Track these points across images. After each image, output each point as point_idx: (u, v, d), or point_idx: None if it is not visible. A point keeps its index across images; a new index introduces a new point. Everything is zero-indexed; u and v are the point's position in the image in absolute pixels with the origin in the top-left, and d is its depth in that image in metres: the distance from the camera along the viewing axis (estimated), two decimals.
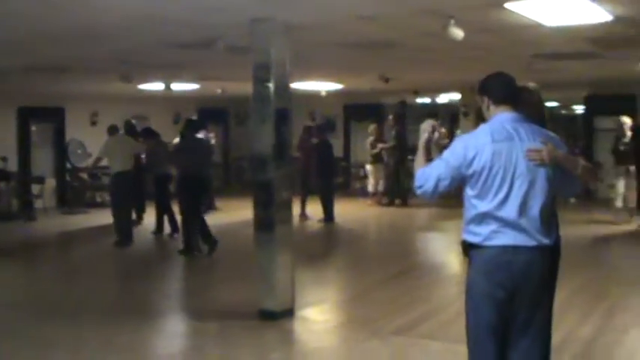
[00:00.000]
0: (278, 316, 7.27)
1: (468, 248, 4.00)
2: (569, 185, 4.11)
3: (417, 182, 4.03)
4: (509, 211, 3.82)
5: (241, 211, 14.64)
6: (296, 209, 14.53)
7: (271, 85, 7.35)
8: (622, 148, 13.84)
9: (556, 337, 6.35)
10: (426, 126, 4.26)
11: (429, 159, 4.10)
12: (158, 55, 10.43)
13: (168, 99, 18.77)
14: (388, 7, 7.21)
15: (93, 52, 10.14)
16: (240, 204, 14.85)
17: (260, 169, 7.53)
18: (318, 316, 7.68)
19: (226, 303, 8.08)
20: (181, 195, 11.11)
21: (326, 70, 13.99)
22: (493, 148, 3.85)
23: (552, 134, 4.07)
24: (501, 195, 3.83)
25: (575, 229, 13.42)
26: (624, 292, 8.46)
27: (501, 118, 3.98)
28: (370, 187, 18.02)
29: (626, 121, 13.92)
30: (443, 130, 17.70)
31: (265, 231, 7.51)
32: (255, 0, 6.65)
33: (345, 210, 15.84)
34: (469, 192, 3.94)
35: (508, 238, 3.82)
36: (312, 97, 19.30)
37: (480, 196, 3.88)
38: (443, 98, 22.50)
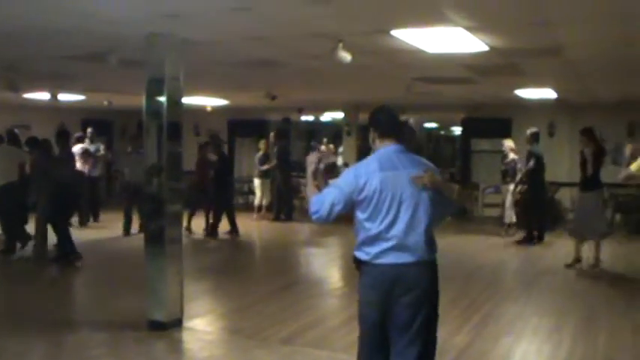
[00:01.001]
0: (167, 326, 7.39)
1: (359, 264, 4.42)
2: (446, 207, 4.63)
3: (312, 208, 4.44)
4: (397, 231, 4.29)
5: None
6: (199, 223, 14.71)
7: (164, 100, 7.46)
8: (503, 168, 14.84)
9: None
10: (313, 158, 4.80)
11: (318, 187, 4.58)
12: (49, 65, 10.35)
13: (52, 108, 18.46)
14: (279, 30, 7.48)
15: None
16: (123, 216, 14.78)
17: (149, 181, 7.63)
18: (206, 327, 7.82)
19: (115, 314, 8.11)
20: (47, 205, 11.14)
21: (213, 86, 14.12)
22: (381, 175, 4.33)
23: (430, 163, 4.58)
24: (390, 217, 4.30)
25: (452, 243, 14.08)
26: (497, 302, 9.01)
27: (388, 149, 4.49)
28: (256, 202, 18.19)
29: (505, 143, 15.00)
30: (332, 152, 18.12)
31: (155, 243, 7.61)
32: (150, 16, 6.75)
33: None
34: (360, 215, 4.38)
35: (394, 257, 4.30)
36: (197, 111, 19.38)
37: (370, 219, 4.33)
38: (326, 117, 22.96)
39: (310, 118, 23.57)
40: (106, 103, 17.47)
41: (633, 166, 7.37)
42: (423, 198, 4.36)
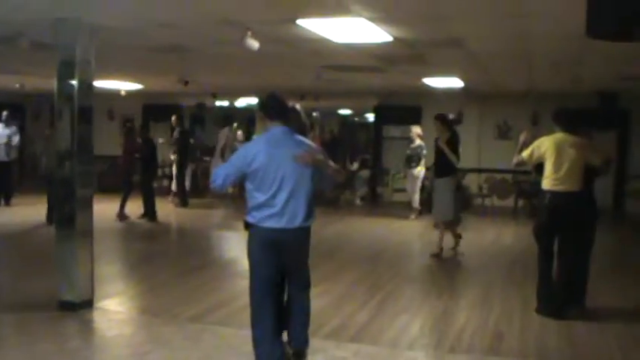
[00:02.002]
0: (77, 307, 7.50)
1: (248, 226, 5.42)
2: (325, 182, 5.60)
3: (211, 179, 5.36)
4: (280, 200, 5.23)
5: (37, 206, 14.54)
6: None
7: (75, 83, 7.52)
8: (408, 152, 15.39)
9: (335, 322, 7.16)
10: (225, 133, 5.47)
11: (225, 160, 5.19)
12: None
13: None
14: (188, 17, 7.66)
15: None
16: (35, 200, 14.71)
17: (61, 165, 7.69)
18: (117, 307, 7.95)
19: (26, 296, 8.16)
20: None
21: (126, 70, 14.13)
22: (268, 152, 5.19)
23: (312, 144, 5.51)
24: (274, 189, 5.23)
25: (362, 226, 14.49)
26: (398, 283, 9.41)
27: (275, 130, 5.36)
28: (173, 187, 18.12)
29: (412, 129, 15.69)
30: (239, 132, 18.18)
31: (65, 226, 7.70)
32: (58, 1, 6.84)
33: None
34: (249, 186, 5.33)
35: (275, 222, 5.27)
36: (112, 95, 19.29)
37: (258, 189, 5.21)
38: (241, 102, 23.09)
39: (225, 103, 23.65)
40: (17, 85, 17.25)
41: (525, 153, 7.81)
42: (305, 174, 5.22)
